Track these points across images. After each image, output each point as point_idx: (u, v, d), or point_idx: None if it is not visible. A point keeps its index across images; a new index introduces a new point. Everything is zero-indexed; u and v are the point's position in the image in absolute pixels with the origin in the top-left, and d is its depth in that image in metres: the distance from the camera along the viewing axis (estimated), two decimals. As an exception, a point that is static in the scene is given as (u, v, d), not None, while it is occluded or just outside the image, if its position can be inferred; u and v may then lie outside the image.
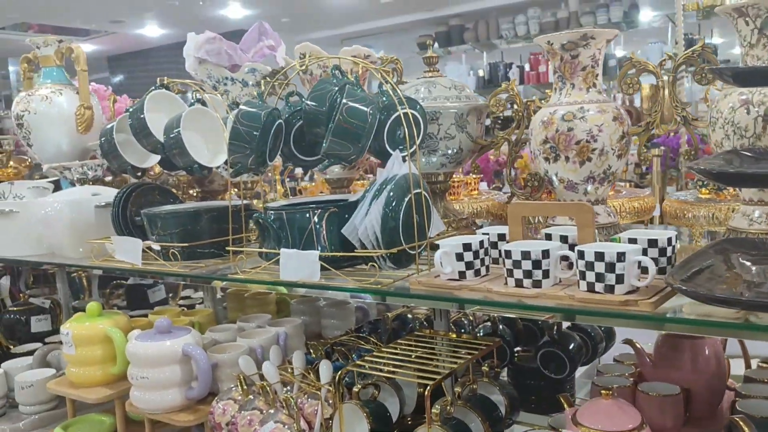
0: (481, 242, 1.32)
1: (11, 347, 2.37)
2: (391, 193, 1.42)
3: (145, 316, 2.28)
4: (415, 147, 1.48)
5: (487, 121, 1.89)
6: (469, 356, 1.42)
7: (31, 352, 2.31)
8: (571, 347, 1.78)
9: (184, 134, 1.71)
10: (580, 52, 1.52)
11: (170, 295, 2.93)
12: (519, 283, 1.22)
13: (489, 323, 1.98)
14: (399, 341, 1.56)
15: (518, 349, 1.99)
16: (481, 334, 1.93)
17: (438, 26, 8.66)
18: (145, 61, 10.49)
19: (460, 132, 1.73)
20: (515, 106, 1.71)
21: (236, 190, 2.35)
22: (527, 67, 7.90)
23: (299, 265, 1.46)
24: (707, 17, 6.61)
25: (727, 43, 7.40)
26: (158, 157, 1.95)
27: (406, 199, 1.43)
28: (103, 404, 1.96)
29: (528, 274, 1.21)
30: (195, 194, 2.48)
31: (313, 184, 2.63)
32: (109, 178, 2.77)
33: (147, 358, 1.62)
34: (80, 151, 2.79)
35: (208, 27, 2.09)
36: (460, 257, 1.30)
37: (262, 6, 8.12)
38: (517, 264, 1.22)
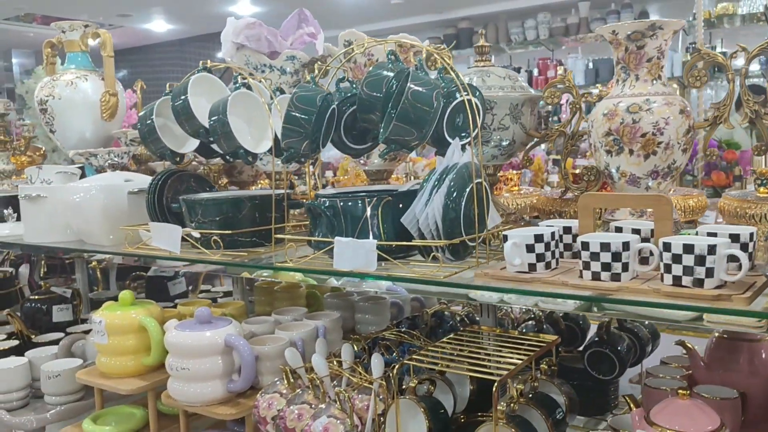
0: (553, 234, 1.27)
1: (32, 336, 2.30)
2: (452, 183, 1.37)
3: (171, 308, 2.22)
4: (476, 133, 1.43)
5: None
6: (531, 353, 1.37)
7: (53, 342, 2.25)
8: (620, 348, 1.73)
9: (230, 119, 1.65)
10: (647, 43, 1.48)
11: (190, 287, 2.88)
12: (596, 276, 1.17)
13: (532, 322, 1.94)
14: (450, 337, 1.52)
15: (559, 349, 1.95)
16: (525, 332, 1.88)
17: (447, 29, 8.62)
18: (150, 56, 10.42)
19: (513, 123, 1.68)
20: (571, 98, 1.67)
21: (269, 180, 2.30)
22: (535, 72, 7.87)
23: (354, 254, 1.41)
24: (713, 27, 6.63)
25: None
26: (196, 143, 1.89)
27: (468, 190, 1.38)
28: (131, 396, 1.91)
29: (606, 267, 1.16)
30: (224, 185, 2.42)
31: (348, 176, 2.57)
32: (133, 168, 2.71)
33: (188, 349, 1.57)
34: (104, 139, 2.73)
35: (216, 23, 2.03)
36: (530, 249, 1.25)
37: (271, 3, 8.06)
38: (594, 256, 1.17)
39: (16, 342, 2.23)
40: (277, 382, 1.54)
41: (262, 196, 1.76)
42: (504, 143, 1.70)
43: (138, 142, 2.54)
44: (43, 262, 3.15)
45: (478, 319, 2.02)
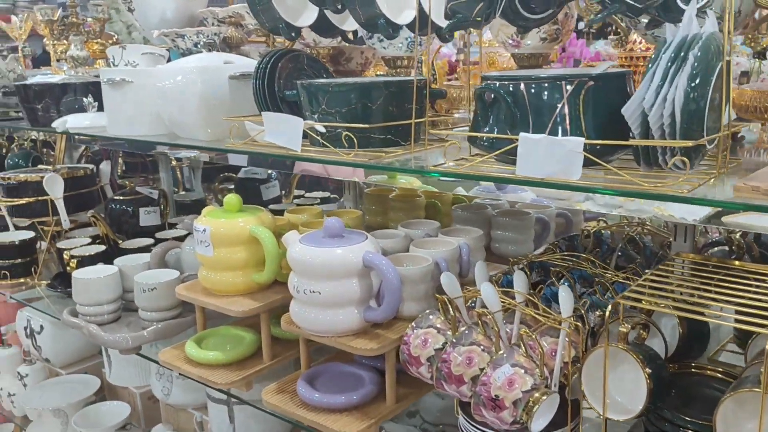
0: None
1: (119, 242, 2.07)
2: (696, 63, 0.98)
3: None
4: (732, -7, 1.02)
5: None
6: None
7: (142, 249, 2.01)
8: None
9: (367, -22, 1.28)
10: None
11: (283, 192, 2.59)
12: None
13: (723, 247, 1.57)
14: (660, 267, 1.17)
15: None
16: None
17: None
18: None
19: (745, -12, 1.26)
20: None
21: (386, 69, 1.93)
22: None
23: (549, 155, 1.05)
24: None
25: None
26: (314, 14, 1.53)
27: (717, 71, 1.00)
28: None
29: None
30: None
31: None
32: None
33: (320, 268, 1.27)
34: (186, 19, 2.40)
35: None
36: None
37: None
38: None
39: (102, 247, 2.00)
40: (430, 315, 1.24)
41: (399, 83, 1.41)
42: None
43: (229, 23, 2.20)
44: (121, 160, 2.91)
45: (647, 242, 1.67)
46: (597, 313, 1.24)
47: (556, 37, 1.61)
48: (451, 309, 1.20)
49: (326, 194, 2.63)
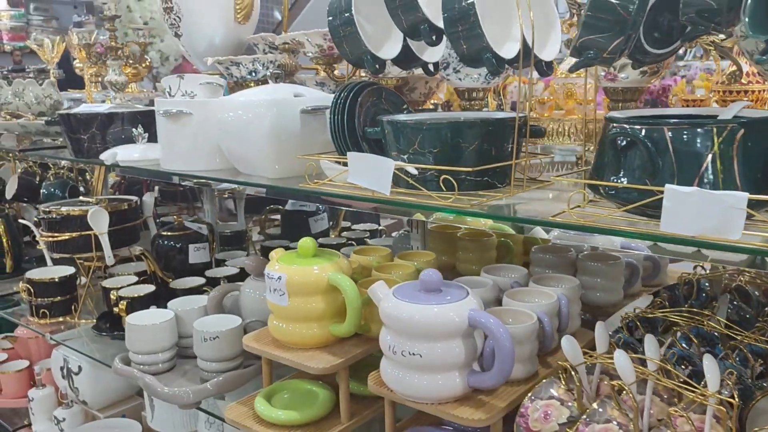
0: None
1: (169, 280, 1.95)
2: None
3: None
4: None
5: None
6: None
7: (194, 289, 1.89)
8: None
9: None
10: None
11: (331, 224, 2.47)
12: None
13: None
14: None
15: None
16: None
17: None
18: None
19: None
20: None
21: (459, 99, 1.82)
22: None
23: (701, 211, 0.93)
24: None
25: None
26: (398, 45, 1.42)
27: None
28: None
29: None
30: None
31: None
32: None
33: (424, 328, 1.14)
34: (235, 46, 2.31)
35: None
36: None
37: None
38: None
39: (152, 287, 1.88)
40: (550, 387, 1.11)
41: (497, 121, 1.29)
42: None
43: (282, 49, 2.09)
44: (157, 188, 2.79)
45: (750, 291, 1.54)
46: (730, 378, 1.12)
47: (656, 71, 1.49)
48: (575, 378, 1.07)
49: (374, 226, 2.51)
